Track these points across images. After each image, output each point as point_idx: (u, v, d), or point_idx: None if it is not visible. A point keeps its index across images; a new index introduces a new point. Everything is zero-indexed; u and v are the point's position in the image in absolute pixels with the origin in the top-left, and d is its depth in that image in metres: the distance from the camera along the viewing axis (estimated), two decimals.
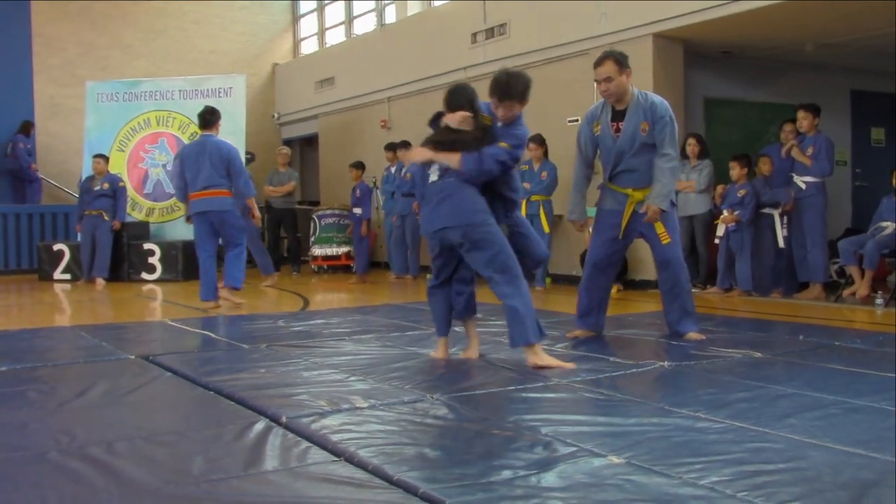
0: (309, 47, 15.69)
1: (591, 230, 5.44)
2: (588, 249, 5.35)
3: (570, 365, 4.01)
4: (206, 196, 7.39)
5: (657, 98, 5.00)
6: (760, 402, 3.27)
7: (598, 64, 4.96)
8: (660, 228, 4.96)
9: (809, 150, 7.82)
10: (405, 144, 10.80)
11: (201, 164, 7.41)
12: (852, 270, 7.54)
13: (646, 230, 5.02)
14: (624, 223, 5.02)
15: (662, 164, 4.88)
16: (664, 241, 4.99)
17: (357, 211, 10.70)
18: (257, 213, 8.13)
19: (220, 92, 12.30)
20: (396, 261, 10.91)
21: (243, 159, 12.03)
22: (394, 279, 10.66)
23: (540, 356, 4.02)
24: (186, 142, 12.10)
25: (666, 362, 4.12)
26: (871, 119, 10.50)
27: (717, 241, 8.22)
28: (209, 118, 7.66)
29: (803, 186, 7.84)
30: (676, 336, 5.00)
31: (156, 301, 8.74)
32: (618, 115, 4.98)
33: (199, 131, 7.84)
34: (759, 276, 8.07)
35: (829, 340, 4.87)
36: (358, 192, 10.74)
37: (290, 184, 11.94)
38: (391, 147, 10.95)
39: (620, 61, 4.89)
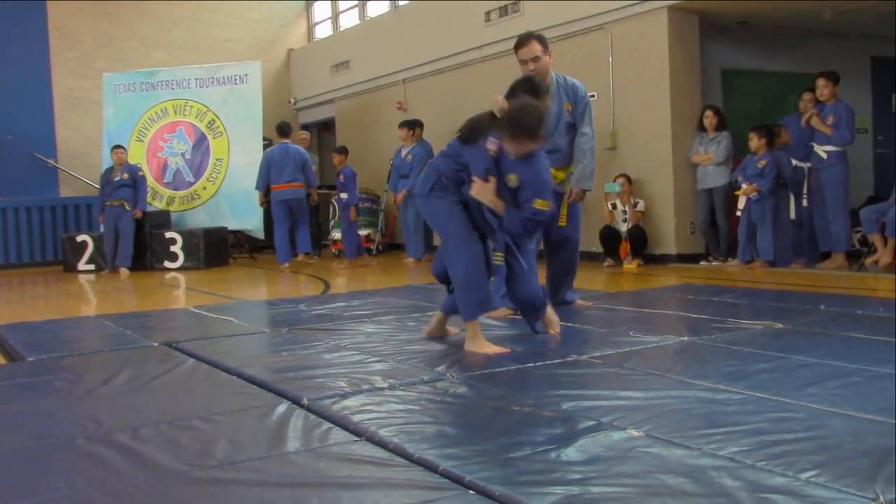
0: (323, 31, 15.68)
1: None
2: None
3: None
4: (289, 188, 10.53)
5: (576, 80, 5.21)
6: (781, 372, 3.26)
7: (522, 45, 5.03)
8: (563, 209, 5.13)
9: (830, 119, 7.74)
10: (418, 124, 10.82)
11: (285, 163, 10.53)
12: (874, 238, 7.48)
13: (560, 210, 5.11)
14: None
15: (582, 143, 5.09)
16: (560, 223, 5.15)
17: (343, 196, 10.63)
18: (315, 197, 11.25)
19: (236, 79, 12.35)
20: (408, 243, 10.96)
21: (261, 145, 12.15)
22: (412, 263, 10.70)
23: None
24: (203, 130, 12.22)
25: (686, 336, 4.12)
26: (891, 86, 10.36)
27: (738, 213, 8.17)
28: (286, 129, 10.97)
29: (824, 156, 7.78)
30: (565, 304, 5.24)
31: (179, 289, 8.82)
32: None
33: (279, 138, 10.91)
34: (780, 247, 8.02)
35: (852, 309, 4.84)
36: (342, 177, 10.69)
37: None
38: (410, 125, 10.90)
39: (543, 41, 5.03)
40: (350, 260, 10.59)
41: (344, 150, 10.94)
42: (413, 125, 10.86)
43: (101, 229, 10.99)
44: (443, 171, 4.03)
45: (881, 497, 1.90)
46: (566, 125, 5.11)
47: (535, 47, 4.99)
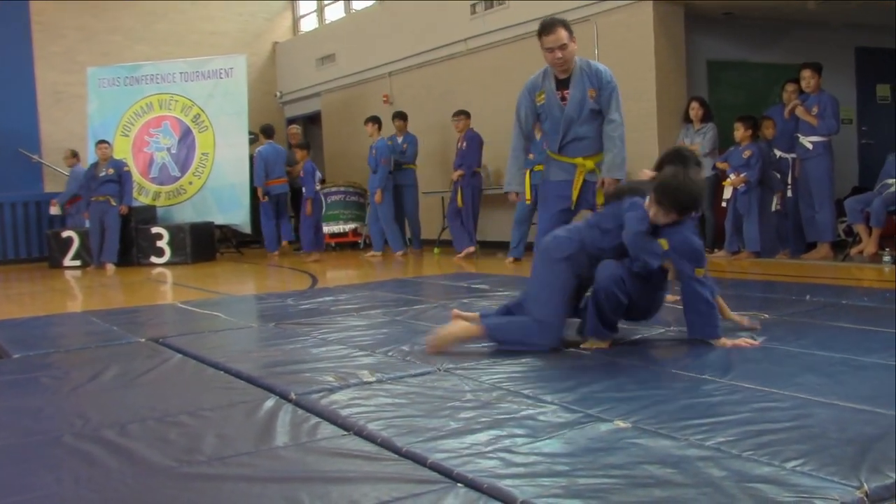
0: (308, 25, 15.63)
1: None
2: (539, 223, 5.17)
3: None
4: (278, 183, 11.61)
5: (601, 65, 4.98)
6: (768, 362, 3.28)
7: (548, 32, 4.79)
8: (599, 199, 4.87)
9: (814, 110, 7.78)
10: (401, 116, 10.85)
11: (276, 161, 11.60)
12: (859, 229, 7.52)
13: (594, 200, 4.92)
14: (575, 193, 4.92)
15: (611, 131, 4.86)
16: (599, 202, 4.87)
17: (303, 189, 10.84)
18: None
19: (221, 73, 12.31)
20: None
21: (247, 139, 12.14)
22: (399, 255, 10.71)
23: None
24: (189, 124, 12.19)
25: (672, 327, 4.13)
26: (876, 76, 10.42)
27: (724, 204, 8.20)
28: (271, 131, 11.97)
29: (809, 146, 7.81)
30: None
31: (165, 284, 8.79)
32: (562, 84, 4.91)
33: (265, 139, 11.75)
34: (766, 237, 8.06)
35: (837, 299, 4.87)
36: (302, 172, 10.79)
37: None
38: (373, 120, 10.93)
39: (569, 27, 4.84)
40: (306, 252, 10.74)
41: (307, 146, 11.06)
42: (377, 120, 10.91)
43: (87, 225, 10.94)
44: (587, 245, 3.76)
45: (865, 485, 1.92)
46: (590, 112, 4.87)
47: (562, 34, 4.75)
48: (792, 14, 9.18)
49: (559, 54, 4.78)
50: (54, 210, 12.22)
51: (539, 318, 3.70)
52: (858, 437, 2.28)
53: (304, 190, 10.83)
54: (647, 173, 3.91)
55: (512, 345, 3.70)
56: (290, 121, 15.10)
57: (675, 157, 3.85)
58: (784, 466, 2.08)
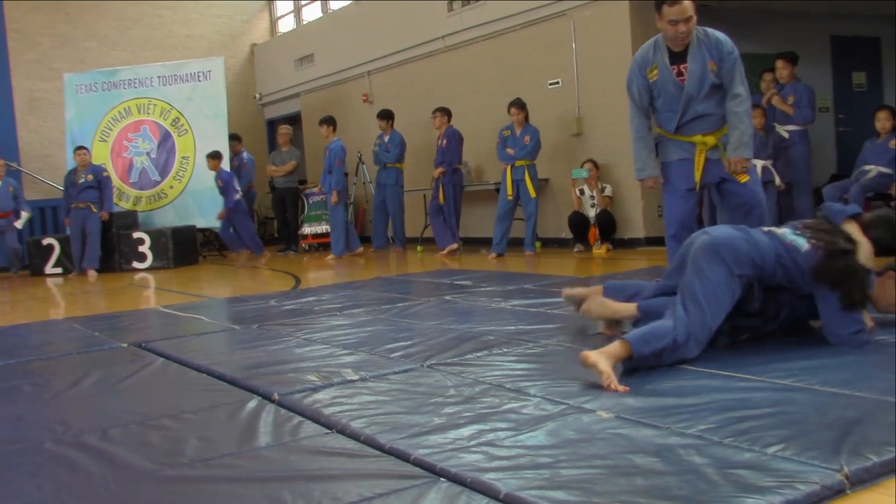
0: (286, 25, 15.59)
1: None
2: (665, 208, 4.84)
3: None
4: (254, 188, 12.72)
5: (720, 34, 4.47)
6: (749, 349, 3.30)
7: (672, 2, 4.25)
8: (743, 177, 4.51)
9: (790, 99, 7.83)
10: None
11: (253, 167, 12.42)
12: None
13: (724, 175, 4.53)
14: (698, 173, 4.55)
15: (735, 106, 4.41)
16: (742, 180, 4.50)
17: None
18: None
19: (199, 76, 12.25)
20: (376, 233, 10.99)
21: (227, 142, 12.09)
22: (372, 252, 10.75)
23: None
24: (168, 128, 12.14)
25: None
26: (851, 64, 10.50)
27: None
28: (240, 139, 12.68)
29: (786, 135, 7.85)
30: None
31: (148, 289, 8.75)
32: (676, 58, 4.44)
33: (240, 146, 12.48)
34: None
35: None
36: (220, 181, 10.74)
37: (290, 163, 11.96)
38: (327, 121, 10.91)
39: None
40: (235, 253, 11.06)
41: (217, 155, 11.03)
42: (331, 122, 10.93)
43: (68, 232, 10.87)
44: (766, 270, 3.29)
45: (845, 468, 1.93)
46: (711, 86, 4.42)
47: (687, 5, 4.25)
48: (767, 5, 9.23)
49: (683, 28, 4.31)
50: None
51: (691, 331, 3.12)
52: (838, 422, 2.29)
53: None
54: None
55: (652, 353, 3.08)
56: (270, 122, 15.07)
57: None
58: (765, 452, 2.09)
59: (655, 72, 4.49)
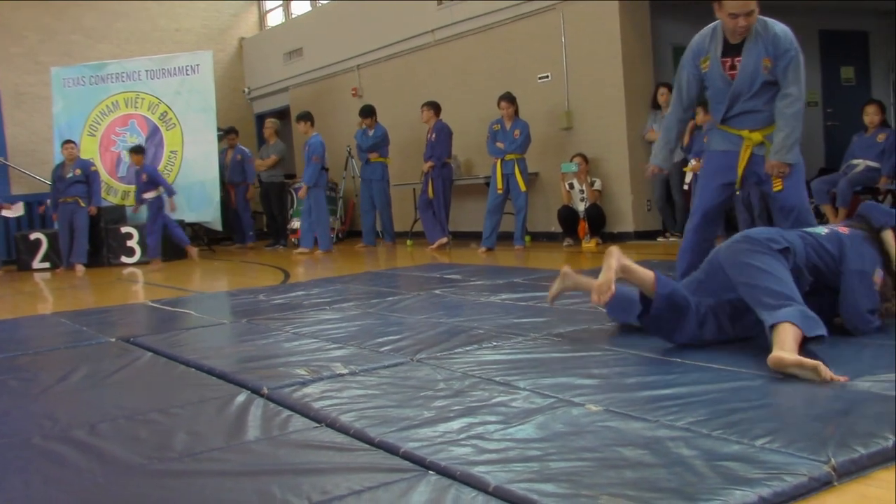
0: (275, 19, 15.53)
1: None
2: (696, 196, 4.67)
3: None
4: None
5: (779, 26, 4.20)
6: (738, 342, 3.30)
7: None
8: (778, 185, 4.31)
9: None
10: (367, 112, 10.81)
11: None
12: (826, 209, 7.61)
13: (763, 176, 4.33)
14: (741, 169, 4.35)
15: (784, 107, 4.17)
16: (776, 188, 4.30)
17: (148, 196, 10.57)
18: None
19: (187, 70, 12.20)
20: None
21: (215, 136, 12.05)
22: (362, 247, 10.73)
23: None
24: (156, 122, 12.08)
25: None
26: (840, 58, 10.53)
27: (685, 187, 8.26)
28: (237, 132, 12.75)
29: None
30: None
31: (136, 284, 8.71)
32: (730, 50, 4.23)
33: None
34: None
35: None
36: (144, 176, 10.62)
37: (272, 157, 11.93)
38: (303, 117, 10.86)
39: None
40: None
41: (139, 150, 10.89)
42: (309, 117, 10.87)
43: (56, 226, 10.81)
44: (797, 254, 3.22)
45: (833, 459, 1.94)
46: (763, 84, 4.18)
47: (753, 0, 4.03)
48: None
49: (743, 23, 4.10)
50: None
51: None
52: (826, 414, 2.30)
53: (145, 196, 10.59)
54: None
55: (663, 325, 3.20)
56: (259, 116, 15.03)
57: None
58: (753, 444, 2.09)
59: (708, 62, 4.33)
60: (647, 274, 3.22)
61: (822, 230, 3.38)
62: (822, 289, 3.28)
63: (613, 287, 3.16)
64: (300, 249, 10.57)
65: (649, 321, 3.27)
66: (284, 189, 12.34)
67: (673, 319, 3.22)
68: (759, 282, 3.04)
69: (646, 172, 4.96)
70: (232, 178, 12.36)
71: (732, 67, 4.23)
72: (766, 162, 4.24)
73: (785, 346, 2.76)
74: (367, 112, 10.73)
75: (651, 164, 4.74)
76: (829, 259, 3.27)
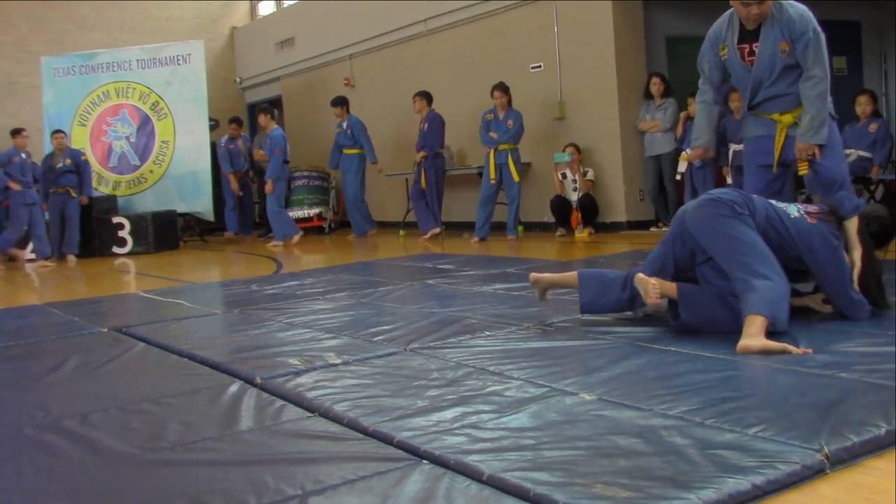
0: (266, 9, 15.46)
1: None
2: (745, 185, 4.64)
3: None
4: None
5: (795, 8, 4.21)
6: (731, 332, 3.30)
7: None
8: (803, 169, 4.39)
9: None
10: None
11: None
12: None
13: (793, 157, 4.40)
14: (777, 153, 4.39)
15: (808, 89, 4.19)
16: (801, 172, 4.40)
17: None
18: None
19: (178, 59, 12.14)
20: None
21: (207, 126, 11.99)
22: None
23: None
24: (147, 112, 12.02)
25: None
26: (832, 48, 10.46)
27: (677, 177, 8.27)
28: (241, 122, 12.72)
29: None
30: None
31: (128, 274, 8.69)
32: (748, 36, 4.25)
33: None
34: None
35: None
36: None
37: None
38: (340, 102, 10.87)
39: None
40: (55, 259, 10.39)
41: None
42: (269, 111, 10.92)
43: (47, 217, 10.76)
44: (757, 222, 3.32)
45: (826, 448, 1.94)
46: (783, 68, 4.20)
47: None
48: None
49: (756, 10, 4.13)
50: None
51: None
52: (819, 402, 2.30)
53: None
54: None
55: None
56: (251, 106, 14.97)
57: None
58: (746, 433, 2.10)
59: (726, 50, 4.34)
60: (571, 274, 3.67)
61: (793, 212, 3.43)
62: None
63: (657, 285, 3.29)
64: (273, 243, 10.54)
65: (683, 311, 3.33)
66: None
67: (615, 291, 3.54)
68: (730, 253, 3.20)
69: (690, 157, 4.96)
70: (238, 166, 12.26)
71: (751, 53, 4.25)
72: (795, 145, 4.28)
73: (751, 331, 2.95)
74: (339, 102, 10.73)
75: (694, 146, 4.73)
76: (789, 241, 3.33)
